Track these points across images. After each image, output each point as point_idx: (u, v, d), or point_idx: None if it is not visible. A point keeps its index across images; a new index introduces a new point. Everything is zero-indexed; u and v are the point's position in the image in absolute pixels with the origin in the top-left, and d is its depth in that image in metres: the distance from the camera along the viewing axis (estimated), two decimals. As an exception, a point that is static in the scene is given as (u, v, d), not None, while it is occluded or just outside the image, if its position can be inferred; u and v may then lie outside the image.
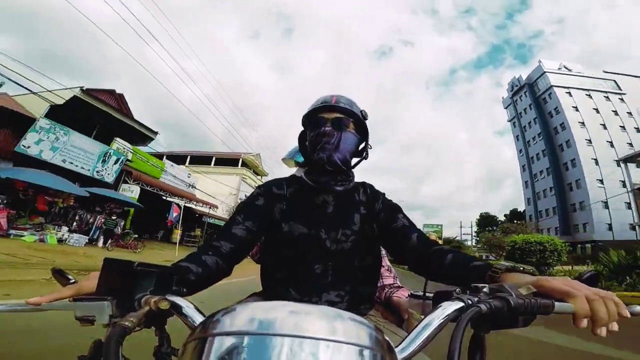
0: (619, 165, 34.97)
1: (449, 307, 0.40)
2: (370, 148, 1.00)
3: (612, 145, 42.17)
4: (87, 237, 11.48)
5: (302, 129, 1.03)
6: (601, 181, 39.62)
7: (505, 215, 61.93)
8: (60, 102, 11.73)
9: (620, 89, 48.17)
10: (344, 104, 0.91)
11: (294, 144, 1.47)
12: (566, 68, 50.47)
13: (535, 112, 49.65)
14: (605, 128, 43.80)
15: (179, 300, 0.45)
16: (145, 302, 0.41)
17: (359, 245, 0.87)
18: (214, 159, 31.34)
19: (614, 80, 49.40)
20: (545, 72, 49.34)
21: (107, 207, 13.03)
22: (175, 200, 17.40)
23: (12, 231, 9.41)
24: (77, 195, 11.34)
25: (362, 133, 0.97)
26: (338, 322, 0.29)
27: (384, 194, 0.99)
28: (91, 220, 12.12)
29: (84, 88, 12.33)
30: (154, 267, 0.48)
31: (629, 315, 0.43)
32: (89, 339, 0.44)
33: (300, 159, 1.59)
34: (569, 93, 47.03)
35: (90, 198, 11.81)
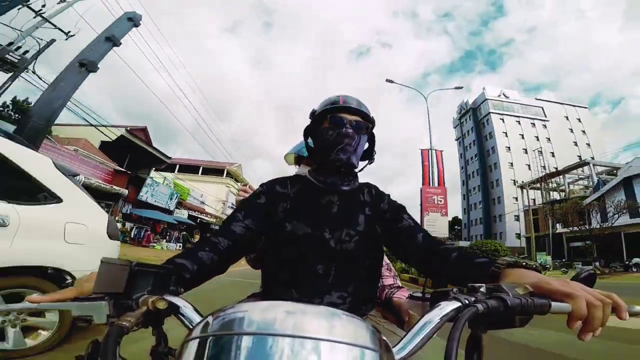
0: (521, 189, 44.21)
1: (446, 307, 0.40)
2: (375, 153, 1.00)
3: (529, 168, 51.14)
4: (177, 244, 22.23)
5: (306, 126, 0.98)
6: (515, 199, 48.85)
7: (448, 222, 71.88)
8: (112, 137, 17.32)
9: (545, 116, 56.87)
10: (365, 109, 0.92)
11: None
12: (505, 95, 58.68)
13: (475, 135, 58.15)
14: (525, 153, 52.62)
15: (176, 300, 0.46)
16: (142, 302, 0.41)
17: (363, 246, 0.87)
18: (201, 169, 36.51)
19: (542, 107, 58.06)
20: (487, 99, 57.44)
21: (182, 226, 24.66)
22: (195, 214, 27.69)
23: (152, 243, 19.57)
24: (168, 221, 22.29)
25: (370, 137, 0.97)
26: (335, 322, 0.29)
27: (388, 194, 0.98)
28: (176, 234, 23.57)
29: (128, 128, 18.73)
30: (152, 267, 0.48)
31: (626, 318, 0.43)
32: (86, 339, 0.46)
33: (306, 153, 1.44)
34: (502, 119, 55.41)
35: (174, 222, 23.09)
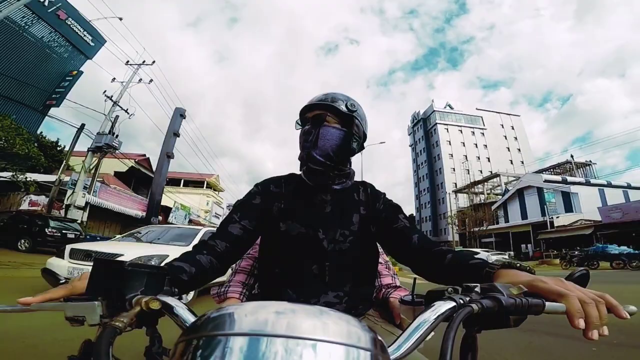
0: (455, 194, 52.17)
1: (441, 307, 0.40)
2: (356, 141, 0.91)
3: (468, 173, 59.25)
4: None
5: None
6: (455, 197, 56.97)
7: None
8: (124, 169, 22.79)
9: (484, 124, 65.21)
10: (323, 100, 0.88)
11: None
12: (450, 107, 66.42)
13: (424, 143, 65.75)
14: (466, 159, 60.73)
15: (170, 300, 0.45)
16: (136, 302, 0.41)
17: (358, 246, 0.86)
18: (182, 181, 39.85)
19: (481, 117, 66.39)
20: (434, 110, 64.95)
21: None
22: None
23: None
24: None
25: (351, 126, 0.89)
26: (329, 322, 0.29)
27: (384, 193, 0.97)
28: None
29: (137, 160, 23.90)
30: (145, 267, 0.48)
31: (627, 317, 0.42)
32: (79, 339, 0.45)
33: None
34: (447, 129, 63.12)
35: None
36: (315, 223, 0.86)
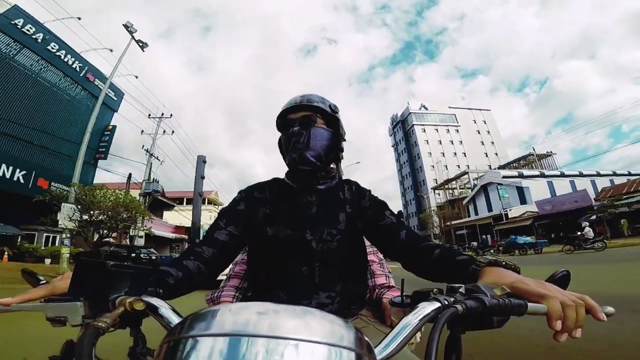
0: (434, 190, 56.85)
1: (426, 308, 0.40)
2: (344, 141, 0.99)
3: (446, 168, 63.89)
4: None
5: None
6: (438, 194, 61.62)
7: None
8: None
9: (457, 122, 69.89)
10: (309, 101, 0.91)
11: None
12: (424, 107, 70.93)
13: (404, 143, 70.28)
14: (443, 156, 65.33)
15: (154, 300, 0.45)
16: (119, 303, 0.41)
17: (346, 245, 0.87)
18: (185, 199, 43.49)
19: (455, 115, 71.07)
20: (410, 112, 69.45)
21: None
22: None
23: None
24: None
25: (335, 127, 0.95)
26: (312, 322, 0.29)
27: (369, 190, 0.97)
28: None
29: (160, 192, 27.97)
30: (129, 268, 0.48)
31: (604, 319, 0.43)
32: (61, 339, 0.44)
33: None
34: (424, 130, 67.68)
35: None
36: (301, 224, 0.87)
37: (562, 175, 38.67)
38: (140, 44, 17.55)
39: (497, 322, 0.43)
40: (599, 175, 38.04)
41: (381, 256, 1.30)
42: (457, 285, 0.45)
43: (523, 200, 34.92)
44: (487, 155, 66.83)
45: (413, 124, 67.71)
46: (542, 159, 52.35)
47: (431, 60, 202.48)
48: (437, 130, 68.29)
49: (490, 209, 39.29)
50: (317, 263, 0.84)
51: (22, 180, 16.82)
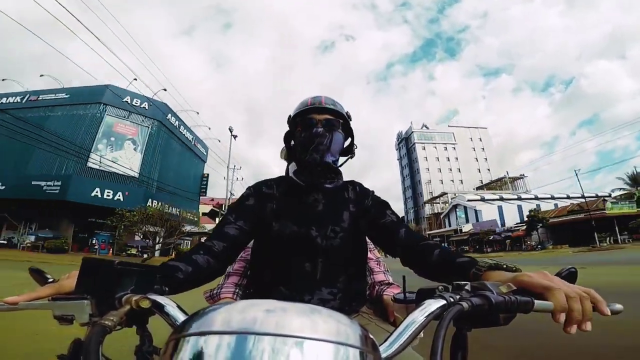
0: (423, 204, 68.24)
1: (431, 305, 0.40)
2: (356, 147, 1.03)
3: (442, 183, 74.38)
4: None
5: (286, 129, 1.02)
6: (430, 207, 72.68)
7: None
8: (207, 210, 41.92)
9: (455, 140, 79.69)
10: (333, 105, 0.95)
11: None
12: (426, 127, 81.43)
13: (407, 158, 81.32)
14: (440, 172, 75.79)
15: (160, 299, 0.45)
16: (126, 301, 0.41)
17: (348, 242, 0.89)
18: (210, 209, 54.68)
19: (453, 133, 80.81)
20: (413, 131, 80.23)
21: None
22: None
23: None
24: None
25: (347, 132, 1.00)
26: (319, 320, 0.29)
27: (372, 191, 1.00)
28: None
29: (214, 205, 42.35)
30: (135, 266, 0.48)
31: (608, 314, 0.43)
32: (68, 338, 0.44)
33: None
34: (424, 147, 78.27)
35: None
36: (307, 221, 0.89)
37: (520, 198, 49.30)
38: (235, 137, 27.28)
39: (504, 319, 0.43)
40: (537, 198, 48.49)
41: (378, 255, 1.34)
42: (462, 282, 0.45)
43: (475, 220, 46.46)
44: (479, 171, 76.38)
45: (415, 142, 78.59)
46: (514, 181, 62.04)
47: (452, 57, 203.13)
48: (435, 147, 78.59)
49: (453, 224, 51.04)
50: (321, 259, 0.86)
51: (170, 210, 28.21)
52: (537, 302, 0.42)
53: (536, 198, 48.79)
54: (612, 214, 29.59)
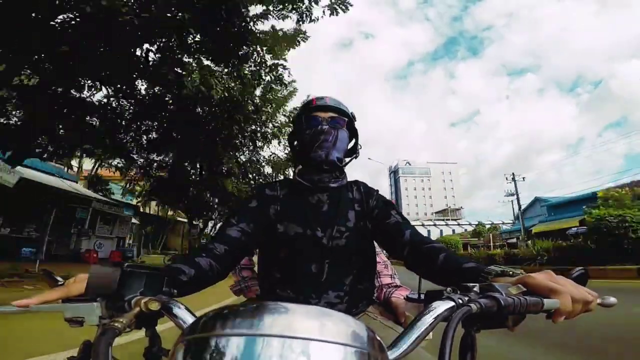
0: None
1: (440, 307, 0.40)
2: (361, 147, 1.03)
3: (417, 207, 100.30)
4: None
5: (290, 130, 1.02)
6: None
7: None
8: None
9: (430, 173, 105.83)
10: (337, 104, 0.95)
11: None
12: (409, 163, 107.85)
13: (394, 188, 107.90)
14: (415, 198, 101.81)
15: (169, 301, 0.46)
16: (135, 303, 0.41)
17: (354, 242, 0.88)
18: None
19: (429, 168, 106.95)
20: (398, 167, 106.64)
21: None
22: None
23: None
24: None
25: (352, 133, 1.00)
26: (327, 322, 0.29)
27: (377, 190, 0.99)
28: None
29: None
30: (144, 268, 0.48)
31: (596, 302, 0.46)
32: (78, 340, 0.45)
33: None
34: (405, 180, 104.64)
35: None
36: (312, 222, 0.88)
37: (458, 225, 75.80)
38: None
39: (513, 321, 0.43)
40: (469, 224, 74.89)
41: (385, 258, 1.34)
42: (471, 284, 0.44)
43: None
44: (446, 197, 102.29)
45: (399, 176, 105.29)
46: (454, 211, 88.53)
47: (475, 56, 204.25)
48: (414, 179, 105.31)
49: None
50: (327, 260, 0.85)
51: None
52: (547, 302, 0.42)
53: (469, 224, 75.10)
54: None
